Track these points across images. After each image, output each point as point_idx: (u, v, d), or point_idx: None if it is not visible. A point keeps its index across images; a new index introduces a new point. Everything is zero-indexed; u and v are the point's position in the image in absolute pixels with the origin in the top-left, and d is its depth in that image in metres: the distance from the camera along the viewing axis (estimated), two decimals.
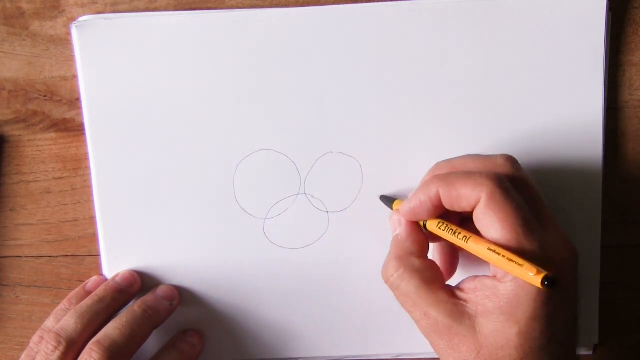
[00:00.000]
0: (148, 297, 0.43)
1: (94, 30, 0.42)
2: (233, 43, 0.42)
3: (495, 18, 0.42)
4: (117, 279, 0.44)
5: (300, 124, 0.43)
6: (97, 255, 0.45)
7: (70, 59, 0.44)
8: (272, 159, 0.44)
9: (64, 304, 0.43)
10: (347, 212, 0.44)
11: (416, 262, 0.38)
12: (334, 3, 0.42)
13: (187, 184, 0.44)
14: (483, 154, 0.39)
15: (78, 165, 0.45)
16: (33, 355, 0.40)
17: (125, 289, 0.44)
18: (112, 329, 0.41)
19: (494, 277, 0.36)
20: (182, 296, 0.45)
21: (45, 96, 0.44)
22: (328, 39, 0.42)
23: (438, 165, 0.40)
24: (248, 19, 0.42)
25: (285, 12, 0.42)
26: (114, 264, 0.45)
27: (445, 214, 0.38)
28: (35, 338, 0.42)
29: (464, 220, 0.38)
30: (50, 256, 0.46)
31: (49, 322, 0.43)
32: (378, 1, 0.42)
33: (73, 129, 0.45)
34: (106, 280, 0.45)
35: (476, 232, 0.36)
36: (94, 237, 0.45)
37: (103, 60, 0.43)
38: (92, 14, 0.43)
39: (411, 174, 0.43)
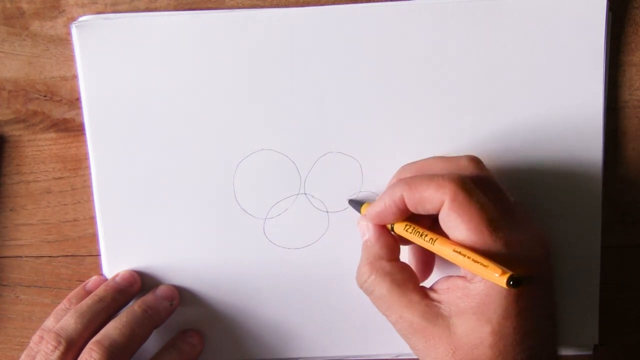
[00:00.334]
0: (148, 297, 0.43)
1: (94, 30, 0.42)
2: (233, 43, 0.42)
3: (495, 18, 0.42)
4: (117, 279, 0.44)
5: (300, 124, 0.43)
6: (97, 255, 0.45)
7: (70, 59, 0.44)
8: (272, 159, 0.44)
9: (64, 304, 0.43)
10: (347, 212, 0.44)
11: (386, 265, 0.38)
12: (334, 3, 0.42)
13: (187, 184, 0.44)
14: (450, 154, 0.39)
15: (78, 165, 0.45)
16: (33, 355, 0.40)
17: (125, 289, 0.44)
18: (112, 329, 0.41)
19: (464, 277, 0.36)
20: (182, 296, 0.45)
21: (45, 96, 0.44)
22: (328, 39, 0.42)
23: (404, 167, 0.40)
24: (248, 19, 0.42)
25: (285, 12, 0.42)
26: (114, 264, 0.45)
27: (416, 216, 0.38)
28: (35, 338, 0.42)
29: (435, 222, 0.38)
30: (50, 256, 0.46)
31: (49, 322, 0.43)
32: (378, 1, 0.42)
33: (73, 129, 0.45)
34: (106, 280, 0.45)
35: (445, 234, 0.36)
36: (94, 237, 0.45)
37: (103, 60, 0.43)
38: (92, 14, 0.43)
39: None
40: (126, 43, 0.42)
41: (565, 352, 0.45)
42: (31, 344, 0.41)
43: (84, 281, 0.45)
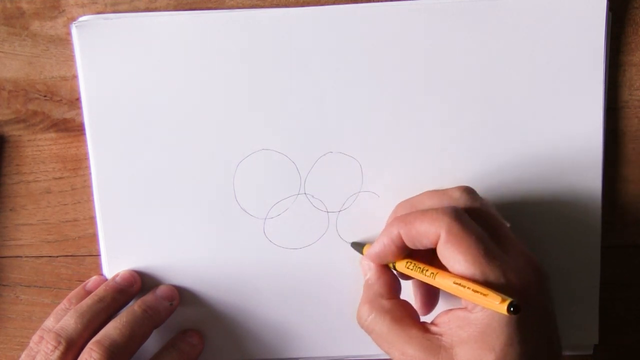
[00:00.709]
0: (148, 297, 0.43)
1: (94, 30, 0.42)
2: (233, 43, 0.42)
3: (495, 18, 0.42)
4: (117, 278, 0.44)
5: (300, 124, 0.43)
6: (97, 255, 0.45)
7: (70, 59, 0.44)
8: (272, 159, 0.44)
9: (64, 304, 0.43)
10: (347, 212, 0.44)
11: (386, 303, 0.38)
12: (334, 3, 0.42)
13: (187, 184, 0.44)
14: (442, 188, 0.40)
15: (78, 165, 0.45)
16: (33, 355, 0.40)
17: (125, 289, 0.44)
18: (112, 329, 0.41)
19: (465, 308, 0.36)
20: (182, 296, 0.45)
21: (45, 96, 0.44)
22: (328, 39, 0.42)
23: (398, 205, 0.40)
24: (248, 19, 0.42)
25: (285, 12, 0.42)
26: (114, 264, 0.45)
27: (417, 250, 0.38)
28: (35, 338, 0.42)
29: (436, 253, 0.39)
30: (50, 256, 0.46)
31: (49, 322, 0.43)
32: (378, 1, 0.42)
33: (73, 129, 0.45)
34: (106, 280, 0.45)
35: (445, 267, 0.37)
36: (94, 237, 0.45)
37: (103, 60, 0.43)
38: (92, 14, 0.43)
39: (411, 174, 0.43)
40: (126, 43, 0.42)
41: (565, 352, 0.45)
42: (31, 344, 0.41)
43: (84, 281, 0.45)
